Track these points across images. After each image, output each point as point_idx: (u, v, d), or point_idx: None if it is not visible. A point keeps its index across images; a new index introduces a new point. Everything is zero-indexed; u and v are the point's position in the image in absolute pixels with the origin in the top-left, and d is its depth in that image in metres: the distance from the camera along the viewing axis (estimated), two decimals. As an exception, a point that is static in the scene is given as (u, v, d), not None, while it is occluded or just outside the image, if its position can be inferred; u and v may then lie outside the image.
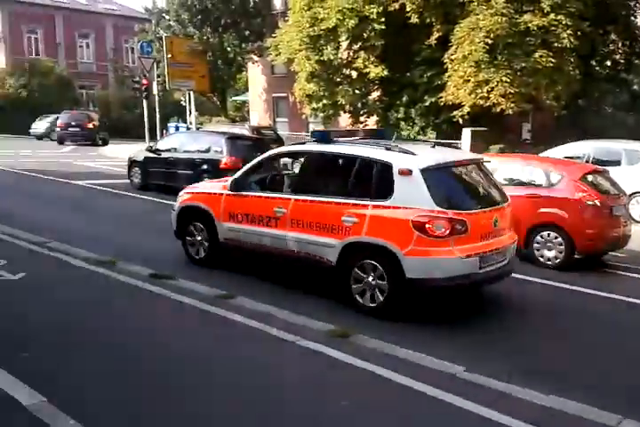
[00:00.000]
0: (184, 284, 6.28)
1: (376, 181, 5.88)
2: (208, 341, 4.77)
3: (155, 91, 24.04)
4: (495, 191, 6.41)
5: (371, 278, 5.74)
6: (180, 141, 14.31)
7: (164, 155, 13.87)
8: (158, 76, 25.22)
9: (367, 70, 17.48)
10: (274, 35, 20.03)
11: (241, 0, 27.20)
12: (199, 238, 7.33)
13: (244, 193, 6.89)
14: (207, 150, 13.10)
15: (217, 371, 4.22)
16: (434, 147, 6.97)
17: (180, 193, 7.85)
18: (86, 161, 22.12)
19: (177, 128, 27.55)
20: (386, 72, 17.23)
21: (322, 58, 17.98)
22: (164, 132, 26.65)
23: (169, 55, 24.39)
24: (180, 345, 4.63)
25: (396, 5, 16.30)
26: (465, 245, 5.56)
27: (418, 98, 17.70)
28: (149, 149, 14.65)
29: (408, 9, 15.94)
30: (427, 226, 5.42)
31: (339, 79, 19.05)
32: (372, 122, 19.72)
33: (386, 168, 5.77)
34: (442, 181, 5.84)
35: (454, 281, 5.58)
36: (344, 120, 21.28)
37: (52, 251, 7.32)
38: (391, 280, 5.60)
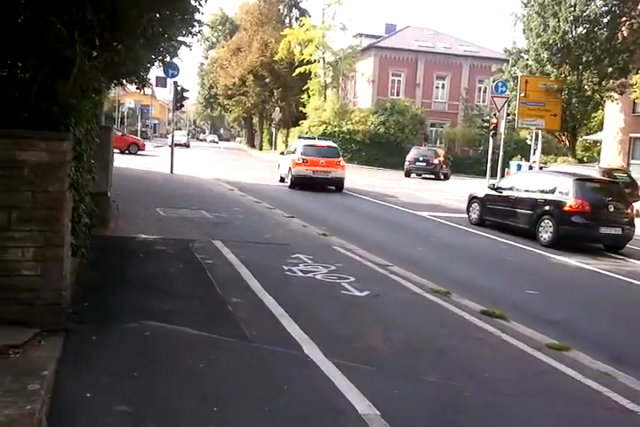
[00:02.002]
0: (513, 325, 6.12)
1: (297, 150, 20.58)
2: (537, 395, 4.53)
3: (501, 129, 24.23)
4: (329, 154, 20.28)
5: (290, 176, 20.37)
6: (524, 180, 14.06)
7: (505, 193, 13.82)
8: (507, 115, 25.33)
9: None
10: (641, 71, 18.44)
11: (607, 36, 25.63)
12: (286, 172, 21.07)
13: (292, 157, 20.52)
14: (552, 191, 12.60)
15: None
16: (318, 140, 23.55)
17: (286, 162, 21.45)
18: (427, 194, 23.37)
19: (519, 167, 27.22)
20: None
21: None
22: (506, 170, 26.57)
23: (522, 94, 24.32)
24: (508, 390, 4.50)
25: None
26: (306, 166, 19.78)
27: None
28: (491, 187, 14.78)
29: None
30: (297, 160, 19.93)
31: None
32: None
33: (298, 145, 21.03)
34: (307, 149, 20.20)
35: (302, 178, 19.82)
36: None
37: (392, 274, 7.90)
38: (291, 176, 20.26)
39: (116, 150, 32.90)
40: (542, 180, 13.52)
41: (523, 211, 13.03)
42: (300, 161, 19.85)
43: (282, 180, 21.82)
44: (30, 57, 4.51)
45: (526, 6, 27.43)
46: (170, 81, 21.41)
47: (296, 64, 48.12)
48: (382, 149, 42.24)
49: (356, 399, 3.87)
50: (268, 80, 54.91)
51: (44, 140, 4.27)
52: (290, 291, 6.52)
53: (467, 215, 15.11)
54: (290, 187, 20.11)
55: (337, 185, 20.28)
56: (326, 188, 20.10)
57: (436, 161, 33.26)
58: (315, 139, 24.34)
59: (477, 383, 4.51)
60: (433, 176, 33.32)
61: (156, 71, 23.14)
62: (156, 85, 23.20)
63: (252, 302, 5.91)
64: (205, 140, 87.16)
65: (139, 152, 35.03)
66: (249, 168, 30.20)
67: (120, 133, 37.73)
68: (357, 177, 29.17)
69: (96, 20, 4.61)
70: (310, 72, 48.04)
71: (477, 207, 14.69)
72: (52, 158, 4.28)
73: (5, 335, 4.02)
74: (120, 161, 21.13)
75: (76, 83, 4.79)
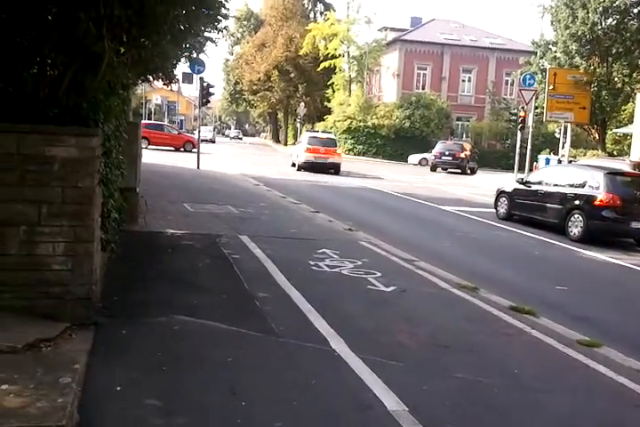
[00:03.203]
0: (543, 321, 6.04)
1: (304, 140, 26.36)
2: (567, 392, 4.45)
3: (530, 122, 23.87)
4: (329, 144, 25.85)
5: (298, 161, 26.27)
6: (553, 175, 13.84)
7: (533, 187, 13.63)
8: (536, 108, 24.95)
9: None
10: (675, 62, 17.96)
11: (637, 27, 25.04)
12: (296, 158, 26.69)
13: (301, 146, 26.41)
14: (582, 185, 12.38)
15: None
16: (321, 133, 28.99)
17: (296, 150, 27.64)
18: (453, 188, 23.16)
19: (547, 161, 26.82)
20: None
21: None
22: (534, 164, 26.19)
23: (550, 86, 23.91)
24: (538, 387, 4.44)
25: None
26: (310, 153, 25.17)
27: None
28: (519, 181, 14.60)
29: None
30: (303, 149, 25.63)
31: None
32: None
33: (305, 137, 26.83)
34: (311, 140, 25.66)
35: (306, 162, 25.39)
36: None
37: (419, 269, 7.84)
38: (298, 161, 26.12)
39: (171, 148, 33.46)
40: (572, 174, 13.28)
41: (552, 205, 12.84)
42: (305, 149, 25.20)
43: (293, 164, 27.12)
44: (60, 54, 4.54)
45: (554, -3, 26.94)
46: (196, 77, 21.54)
47: (321, 59, 48.04)
48: (408, 143, 42.01)
49: (385, 395, 3.85)
50: (292, 75, 54.91)
51: (74, 136, 4.31)
52: (316, 286, 6.51)
53: (494, 210, 14.94)
54: (297, 170, 25.59)
55: (334, 169, 25.39)
56: (328, 171, 25.03)
57: (462, 155, 32.96)
58: (318, 132, 30.73)
59: (507, 380, 4.45)
60: (459, 170, 33.03)
61: (182, 67, 23.28)
62: (183, 81, 23.42)
63: (279, 296, 5.92)
64: (229, 136, 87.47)
65: (193, 150, 35.00)
66: (274, 163, 30.27)
67: (176, 132, 38.06)
68: (383, 172, 29.07)
69: (124, 17, 4.62)
70: (335, 67, 47.91)
71: (505, 202, 14.52)
72: (81, 154, 4.32)
73: (37, 329, 4.08)
74: (148, 157, 21.36)
75: (105, 79, 4.82)
